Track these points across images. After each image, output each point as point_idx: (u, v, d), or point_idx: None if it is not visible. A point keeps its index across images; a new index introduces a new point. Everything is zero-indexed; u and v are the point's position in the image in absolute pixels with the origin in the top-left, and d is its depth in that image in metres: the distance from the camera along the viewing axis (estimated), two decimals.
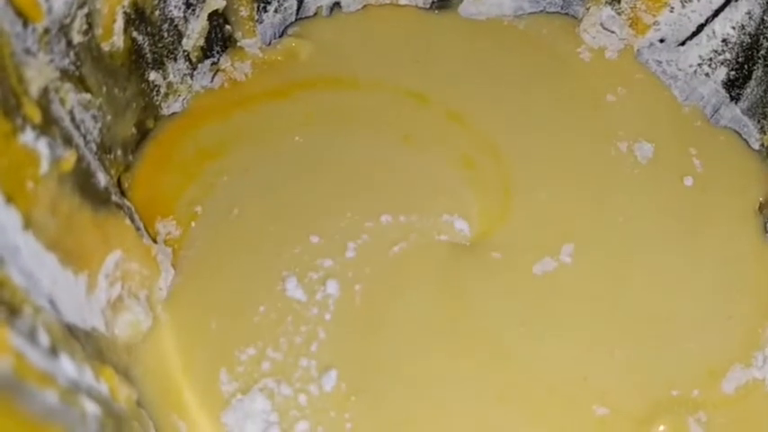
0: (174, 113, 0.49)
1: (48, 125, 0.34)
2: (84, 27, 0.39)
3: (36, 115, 0.33)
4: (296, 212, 0.46)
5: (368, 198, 0.47)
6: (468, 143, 0.50)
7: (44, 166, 0.33)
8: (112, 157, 0.44)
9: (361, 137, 0.50)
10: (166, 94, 0.49)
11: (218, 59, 0.51)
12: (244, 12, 0.51)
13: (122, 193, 0.44)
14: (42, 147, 0.33)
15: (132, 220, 0.42)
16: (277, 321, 0.43)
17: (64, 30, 0.37)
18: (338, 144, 0.49)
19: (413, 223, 0.47)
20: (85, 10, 0.39)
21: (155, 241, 0.44)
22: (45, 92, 0.35)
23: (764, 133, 0.50)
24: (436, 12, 0.56)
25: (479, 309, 0.45)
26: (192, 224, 0.46)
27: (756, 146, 0.51)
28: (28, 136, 0.32)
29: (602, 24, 0.54)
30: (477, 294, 0.45)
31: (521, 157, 0.50)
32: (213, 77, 0.51)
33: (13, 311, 0.28)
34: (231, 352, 0.42)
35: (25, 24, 0.34)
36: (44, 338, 0.30)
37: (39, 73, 0.34)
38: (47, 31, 0.36)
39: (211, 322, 0.43)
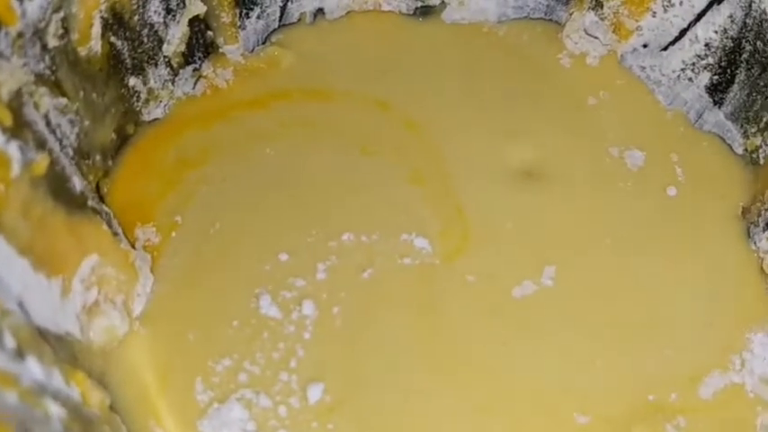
0: (155, 119, 0.49)
1: (19, 128, 0.34)
2: (60, 31, 0.39)
3: (7, 118, 0.33)
4: (265, 229, 0.46)
5: (329, 215, 0.47)
6: (420, 156, 0.50)
7: (15, 169, 0.33)
8: (91, 162, 0.44)
9: (323, 148, 0.49)
10: (147, 100, 0.48)
11: (201, 66, 0.51)
12: (225, 18, 0.51)
13: (101, 199, 0.44)
14: (13, 150, 0.33)
15: (110, 226, 0.42)
16: (252, 336, 0.43)
17: (39, 34, 0.37)
18: (303, 156, 0.49)
19: (374, 244, 0.46)
20: (61, 14, 0.39)
21: (133, 247, 0.44)
22: (17, 95, 0.34)
23: (747, 138, 0.50)
24: (420, 18, 0.55)
25: (459, 330, 0.44)
26: (173, 234, 0.46)
27: (740, 150, 0.51)
28: None
29: (585, 30, 0.54)
30: (456, 317, 0.44)
31: (473, 170, 0.49)
32: (195, 84, 0.51)
33: None
34: (205, 362, 0.42)
35: None
36: (9, 341, 0.29)
37: (10, 76, 0.34)
38: (20, 34, 0.36)
39: (188, 333, 0.43)
